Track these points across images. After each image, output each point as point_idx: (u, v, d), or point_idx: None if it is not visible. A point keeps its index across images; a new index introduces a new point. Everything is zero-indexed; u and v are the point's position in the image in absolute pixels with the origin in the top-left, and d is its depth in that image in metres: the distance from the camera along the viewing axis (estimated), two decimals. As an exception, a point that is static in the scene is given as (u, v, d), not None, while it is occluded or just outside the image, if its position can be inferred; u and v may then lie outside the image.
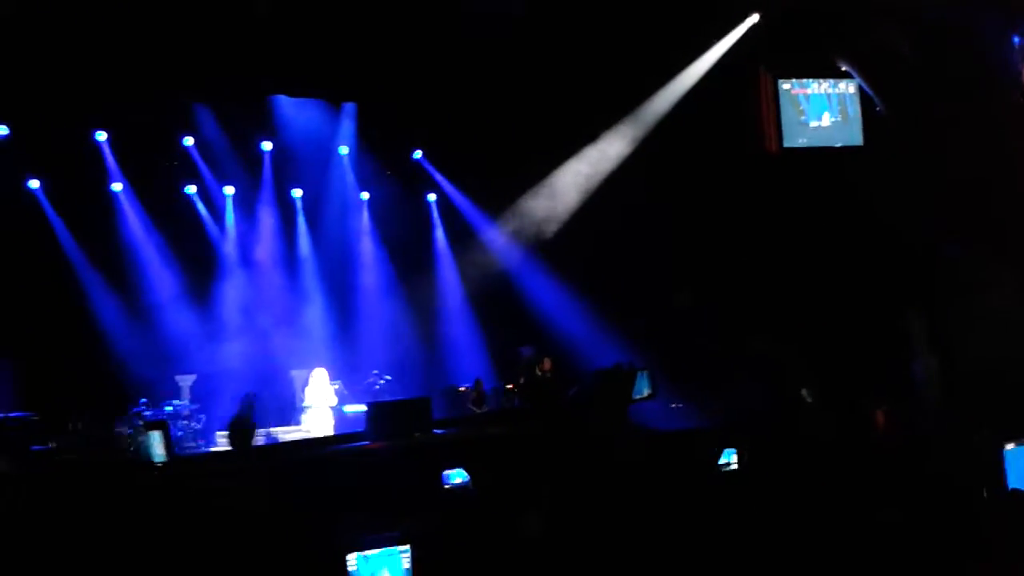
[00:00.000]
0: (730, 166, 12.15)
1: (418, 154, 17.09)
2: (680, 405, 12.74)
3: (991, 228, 10.73)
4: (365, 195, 17.44)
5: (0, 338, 14.17)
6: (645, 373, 4.04)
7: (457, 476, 6.45)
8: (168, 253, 16.05)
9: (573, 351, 14.79)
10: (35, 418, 13.86)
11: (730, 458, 5.03)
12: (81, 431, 13.51)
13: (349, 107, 16.43)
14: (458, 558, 3.20)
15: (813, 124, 10.16)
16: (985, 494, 3.79)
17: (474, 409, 14.30)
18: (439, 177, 17.18)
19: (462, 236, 17.42)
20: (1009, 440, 4.00)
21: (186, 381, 15.49)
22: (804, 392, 10.24)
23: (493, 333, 16.84)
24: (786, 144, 10.20)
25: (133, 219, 15.88)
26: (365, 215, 17.57)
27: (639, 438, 3.19)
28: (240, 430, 3.51)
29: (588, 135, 15.40)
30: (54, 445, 13.32)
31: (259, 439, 14.51)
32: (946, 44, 10.29)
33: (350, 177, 17.25)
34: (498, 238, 16.84)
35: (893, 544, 2.95)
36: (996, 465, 3.94)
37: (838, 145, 10.40)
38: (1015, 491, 3.80)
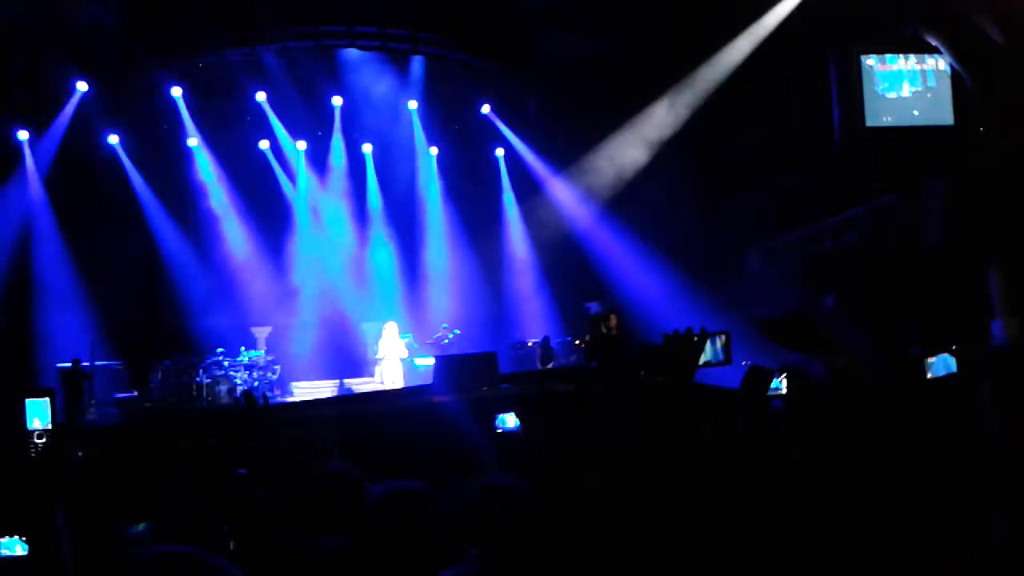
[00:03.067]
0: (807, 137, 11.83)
1: (486, 109, 17.02)
2: (749, 363, 12.55)
3: None
4: (434, 150, 17.52)
5: (86, 290, 14.77)
6: (718, 338, 3.90)
7: (509, 419, 6.50)
8: (242, 207, 16.43)
9: (643, 309, 14.67)
10: (120, 367, 14.50)
11: (780, 384, 4.90)
12: (161, 380, 14.05)
13: (417, 61, 16.39)
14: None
15: (891, 95, 9.75)
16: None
17: (541, 365, 14.34)
18: (507, 132, 17.11)
19: (530, 191, 17.38)
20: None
21: (262, 332, 15.91)
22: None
23: (562, 289, 16.85)
24: (869, 123, 9.79)
25: (208, 173, 16.27)
26: (434, 170, 17.66)
27: (698, 397, 3.14)
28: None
29: (656, 92, 15.07)
30: (138, 393, 13.92)
31: (332, 390, 14.96)
32: None
33: (419, 132, 17.32)
34: (566, 193, 16.73)
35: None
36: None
37: (924, 123, 9.95)
38: None
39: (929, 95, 9.93)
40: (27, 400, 6.59)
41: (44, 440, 6.35)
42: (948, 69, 10.03)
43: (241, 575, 1.46)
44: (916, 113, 9.89)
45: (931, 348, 5.72)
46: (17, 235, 14.55)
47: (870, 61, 9.85)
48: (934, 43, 10.02)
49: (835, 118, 10.05)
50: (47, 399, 6.58)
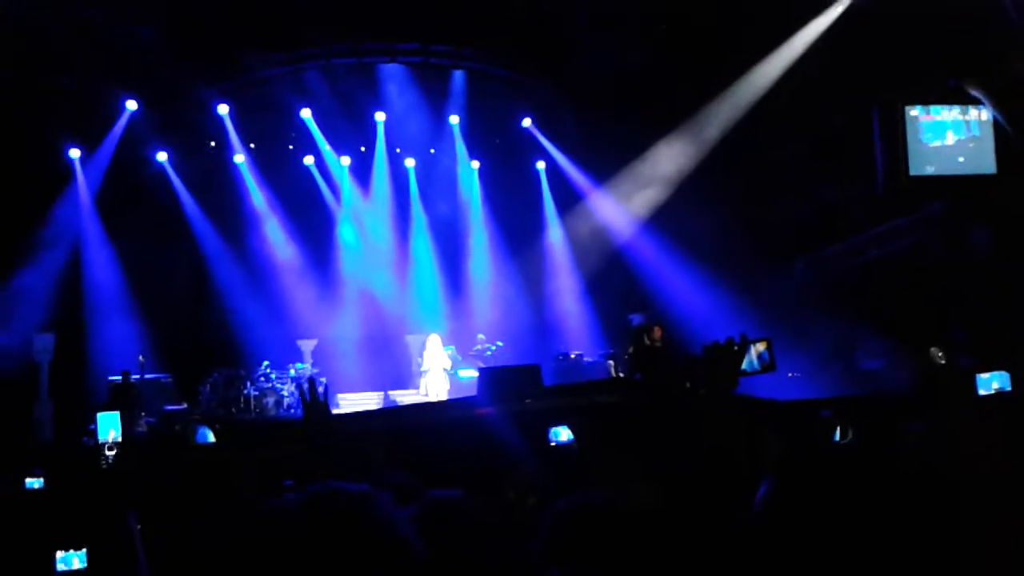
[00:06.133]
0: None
1: (527, 122, 17.07)
2: (797, 375, 12.41)
3: None
4: (475, 164, 17.61)
5: (136, 304, 15.04)
6: (757, 345, 3.77)
7: (562, 432, 6.45)
8: (288, 222, 16.66)
9: (686, 320, 14.54)
10: (170, 380, 14.73)
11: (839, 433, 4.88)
12: (209, 393, 14.26)
13: (458, 76, 16.51)
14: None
15: (935, 144, 9.98)
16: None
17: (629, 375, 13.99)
18: (547, 144, 17.14)
19: (571, 203, 17.38)
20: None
21: (307, 345, 16.07)
22: (935, 352, 9.85)
23: (604, 301, 16.79)
24: (913, 172, 10.04)
25: (254, 189, 16.52)
26: (476, 183, 17.75)
27: (742, 409, 3.09)
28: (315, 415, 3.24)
29: (699, 102, 14.95)
30: (187, 406, 14.14)
31: (377, 402, 15.05)
32: None
33: (460, 146, 17.43)
34: (608, 205, 16.69)
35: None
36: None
37: (968, 172, 10.19)
38: None
39: (972, 144, 10.12)
40: (99, 414, 6.76)
41: (115, 452, 6.49)
42: (991, 119, 10.20)
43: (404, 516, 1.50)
44: (961, 160, 10.05)
45: (983, 363, 5.52)
46: (69, 251, 14.86)
47: (914, 112, 10.06)
48: (976, 95, 10.19)
49: (878, 169, 10.26)
50: (118, 412, 6.75)
